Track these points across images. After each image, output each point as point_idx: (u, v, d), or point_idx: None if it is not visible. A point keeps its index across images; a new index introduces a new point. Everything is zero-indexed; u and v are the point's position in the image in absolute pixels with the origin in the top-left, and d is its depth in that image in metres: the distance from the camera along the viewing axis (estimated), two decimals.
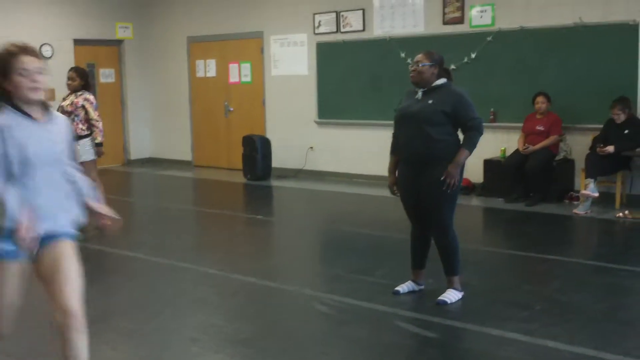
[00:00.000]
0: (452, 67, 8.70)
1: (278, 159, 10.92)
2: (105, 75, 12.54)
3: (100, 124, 7.21)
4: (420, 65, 4.63)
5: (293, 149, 11.00)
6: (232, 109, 11.87)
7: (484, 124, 4.72)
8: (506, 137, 8.79)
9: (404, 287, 4.95)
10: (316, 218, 8.21)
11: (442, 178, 4.53)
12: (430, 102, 4.60)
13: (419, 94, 4.69)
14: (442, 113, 4.56)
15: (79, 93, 7.17)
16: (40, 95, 2.98)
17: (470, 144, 4.61)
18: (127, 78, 12.86)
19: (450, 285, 4.79)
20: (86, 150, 7.16)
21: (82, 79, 7.24)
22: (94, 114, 7.17)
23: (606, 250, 6.48)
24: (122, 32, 12.62)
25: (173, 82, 12.72)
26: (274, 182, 10.47)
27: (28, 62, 2.93)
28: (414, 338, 4.26)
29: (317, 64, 10.61)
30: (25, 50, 2.95)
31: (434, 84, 4.66)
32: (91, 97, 7.22)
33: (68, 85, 7.27)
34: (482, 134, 4.63)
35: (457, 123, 4.63)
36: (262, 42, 11.26)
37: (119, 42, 12.67)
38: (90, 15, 12.09)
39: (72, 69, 7.48)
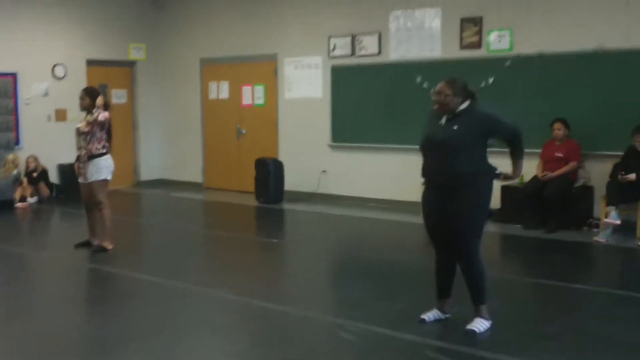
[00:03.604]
0: None
1: (290, 182, 10.82)
2: (117, 96, 12.48)
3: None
4: (443, 96, 4.56)
5: (306, 172, 10.90)
6: (244, 131, 11.80)
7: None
8: (524, 163, 8.63)
9: (429, 316, 4.82)
10: (331, 242, 8.09)
11: (501, 183, 4.49)
12: (455, 127, 4.52)
13: (443, 120, 4.61)
14: (467, 138, 4.49)
15: (96, 112, 7.08)
16: None
17: (521, 152, 4.71)
18: (139, 99, 12.82)
19: (477, 314, 4.66)
20: (99, 170, 7.09)
21: (91, 99, 7.16)
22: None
23: (632, 279, 6.33)
24: (135, 53, 12.60)
25: (185, 104, 12.67)
26: (287, 206, 10.35)
27: None
28: None
29: (331, 87, 10.54)
30: None
31: (459, 109, 4.59)
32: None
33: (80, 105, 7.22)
34: (523, 134, 4.69)
35: (496, 139, 4.63)
36: (276, 64, 11.22)
37: (131, 63, 12.65)
38: (103, 36, 12.08)
39: (83, 89, 7.38)
